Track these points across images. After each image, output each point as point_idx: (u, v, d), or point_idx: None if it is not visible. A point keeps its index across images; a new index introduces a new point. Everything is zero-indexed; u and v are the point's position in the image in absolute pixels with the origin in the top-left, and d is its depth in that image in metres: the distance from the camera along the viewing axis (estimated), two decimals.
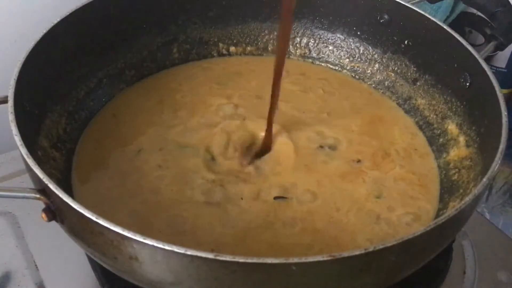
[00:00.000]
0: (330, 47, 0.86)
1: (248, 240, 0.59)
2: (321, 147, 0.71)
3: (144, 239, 0.43)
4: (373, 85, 0.83)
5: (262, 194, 0.64)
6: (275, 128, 0.69)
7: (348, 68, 0.85)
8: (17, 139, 0.53)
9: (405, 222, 0.62)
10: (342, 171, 0.67)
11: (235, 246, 0.58)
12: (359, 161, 0.69)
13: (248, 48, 0.87)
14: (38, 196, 0.51)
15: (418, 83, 0.79)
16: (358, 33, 0.84)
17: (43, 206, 0.51)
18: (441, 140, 0.73)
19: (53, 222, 0.52)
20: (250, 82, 0.81)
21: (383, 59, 0.83)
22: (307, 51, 0.87)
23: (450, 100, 0.73)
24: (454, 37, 0.70)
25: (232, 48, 0.87)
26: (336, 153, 0.70)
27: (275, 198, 0.62)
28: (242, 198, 0.63)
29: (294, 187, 0.65)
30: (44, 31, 0.64)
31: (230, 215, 0.61)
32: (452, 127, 0.72)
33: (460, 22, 1.05)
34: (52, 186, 0.48)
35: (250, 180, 0.65)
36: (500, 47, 0.73)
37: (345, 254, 0.43)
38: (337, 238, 0.60)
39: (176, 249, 0.43)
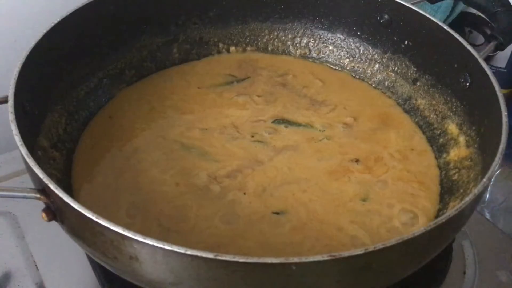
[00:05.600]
0: (330, 47, 0.86)
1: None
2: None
3: (144, 239, 0.43)
4: (373, 85, 0.83)
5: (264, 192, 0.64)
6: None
7: (348, 68, 0.85)
8: (17, 139, 0.53)
9: (403, 220, 0.63)
10: (333, 171, 0.68)
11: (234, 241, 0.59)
12: (357, 160, 0.69)
13: (248, 48, 0.87)
14: (38, 196, 0.51)
15: (418, 83, 0.79)
16: (358, 33, 0.84)
17: (43, 206, 0.51)
18: (441, 140, 0.73)
19: (53, 222, 0.52)
20: (254, 83, 0.81)
21: (383, 59, 0.83)
22: (307, 51, 0.87)
23: (450, 100, 0.73)
24: (454, 37, 0.70)
25: (232, 48, 0.87)
26: (332, 152, 0.70)
27: (273, 213, 0.62)
28: (245, 193, 0.64)
29: (290, 184, 0.66)
30: (44, 31, 0.64)
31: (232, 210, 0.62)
32: (452, 127, 0.72)
33: (460, 22, 1.05)
34: (52, 186, 0.48)
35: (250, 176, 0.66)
36: (500, 47, 0.73)
37: (345, 254, 0.43)
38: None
39: (176, 249, 0.43)
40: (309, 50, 0.87)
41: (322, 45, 0.87)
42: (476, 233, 0.72)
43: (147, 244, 0.43)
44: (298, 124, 0.74)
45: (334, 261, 0.43)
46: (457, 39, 0.70)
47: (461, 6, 1.02)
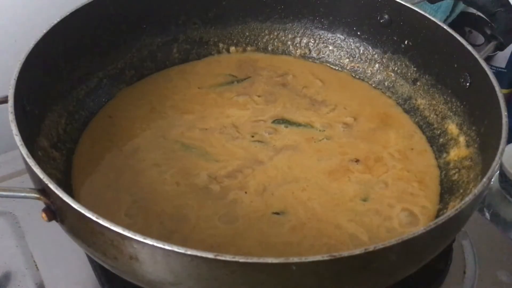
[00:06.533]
0: (330, 47, 0.86)
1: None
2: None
3: (144, 239, 0.43)
4: (373, 85, 0.83)
5: (264, 192, 0.64)
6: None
7: (348, 68, 0.85)
8: (17, 139, 0.52)
9: (403, 220, 0.63)
10: (333, 170, 0.68)
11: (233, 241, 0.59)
12: (357, 160, 0.69)
13: (248, 48, 0.87)
14: (38, 196, 0.51)
15: (418, 83, 0.79)
16: (358, 33, 0.84)
17: (43, 206, 0.51)
18: (441, 140, 0.73)
19: (53, 222, 0.52)
20: (254, 83, 0.81)
21: (383, 59, 0.83)
22: (307, 51, 0.87)
23: (450, 100, 0.73)
24: (454, 37, 0.70)
25: (232, 48, 0.87)
26: (332, 152, 0.71)
27: (273, 213, 0.62)
28: (246, 192, 0.64)
29: (289, 184, 0.66)
30: (44, 31, 0.64)
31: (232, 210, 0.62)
32: (452, 127, 0.72)
33: (460, 22, 1.05)
34: (52, 186, 0.48)
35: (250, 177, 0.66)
36: (500, 47, 0.73)
37: (345, 254, 0.43)
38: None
39: (176, 249, 0.43)
40: (309, 50, 0.87)
41: (322, 45, 0.87)
42: (476, 233, 0.72)
43: (147, 244, 0.43)
44: (298, 124, 0.74)
45: (334, 261, 0.43)
46: (457, 39, 0.70)
47: (461, 6, 1.02)
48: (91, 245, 0.50)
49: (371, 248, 0.44)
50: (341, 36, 0.86)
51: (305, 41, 0.87)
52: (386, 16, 0.80)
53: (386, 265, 0.48)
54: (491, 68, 0.68)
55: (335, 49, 0.86)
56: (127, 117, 0.74)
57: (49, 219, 0.52)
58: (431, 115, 0.76)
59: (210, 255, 0.42)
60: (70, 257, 0.66)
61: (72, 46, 0.70)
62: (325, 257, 0.42)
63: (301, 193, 0.65)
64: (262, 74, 0.83)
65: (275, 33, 0.87)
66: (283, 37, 0.88)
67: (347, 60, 0.86)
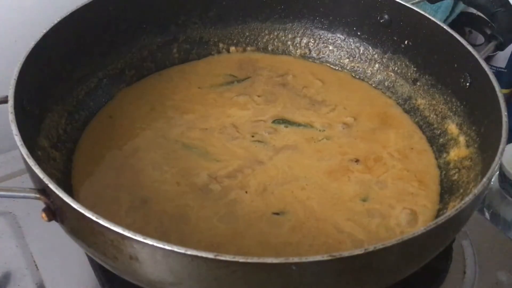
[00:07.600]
0: (330, 47, 0.86)
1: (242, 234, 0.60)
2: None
3: (144, 239, 0.43)
4: (373, 85, 0.83)
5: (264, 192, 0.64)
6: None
7: (348, 68, 0.85)
8: (17, 139, 0.53)
9: (403, 220, 0.63)
10: (333, 170, 0.68)
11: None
12: (357, 160, 0.69)
13: (248, 48, 0.87)
14: (38, 196, 0.51)
15: (418, 83, 0.79)
16: (358, 33, 0.84)
17: (43, 206, 0.51)
18: (441, 140, 0.73)
19: (53, 222, 0.52)
20: (254, 83, 0.81)
21: (383, 59, 0.83)
22: (307, 51, 0.87)
23: (450, 100, 0.73)
24: (454, 37, 0.70)
25: (232, 48, 0.87)
26: (332, 152, 0.71)
27: (274, 213, 0.62)
28: (246, 192, 0.64)
29: (290, 183, 0.66)
30: (44, 31, 0.64)
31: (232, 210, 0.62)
32: (452, 127, 0.72)
33: (460, 22, 1.05)
34: (52, 186, 0.48)
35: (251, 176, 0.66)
36: (500, 47, 0.73)
37: (345, 254, 0.43)
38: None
39: (176, 249, 0.43)
40: (309, 50, 0.87)
41: (322, 45, 0.87)
42: (476, 233, 0.72)
43: (147, 244, 0.43)
44: (298, 124, 0.74)
45: (334, 261, 0.43)
46: (457, 39, 0.70)
47: (461, 6, 1.02)
48: (91, 245, 0.50)
49: (371, 248, 0.44)
50: (341, 36, 0.86)
51: (305, 41, 0.87)
52: (386, 16, 0.80)
53: (386, 265, 0.48)
54: (491, 68, 0.68)
55: (335, 49, 0.86)
56: (127, 117, 0.74)
57: (49, 219, 0.52)
58: (431, 115, 0.76)
59: (210, 255, 0.42)
60: (70, 257, 0.66)
61: (72, 46, 0.70)
62: (325, 257, 0.42)
63: (300, 193, 0.65)
64: (262, 74, 0.83)
65: (275, 33, 0.87)
66: (283, 37, 0.88)
67: (347, 60, 0.86)
